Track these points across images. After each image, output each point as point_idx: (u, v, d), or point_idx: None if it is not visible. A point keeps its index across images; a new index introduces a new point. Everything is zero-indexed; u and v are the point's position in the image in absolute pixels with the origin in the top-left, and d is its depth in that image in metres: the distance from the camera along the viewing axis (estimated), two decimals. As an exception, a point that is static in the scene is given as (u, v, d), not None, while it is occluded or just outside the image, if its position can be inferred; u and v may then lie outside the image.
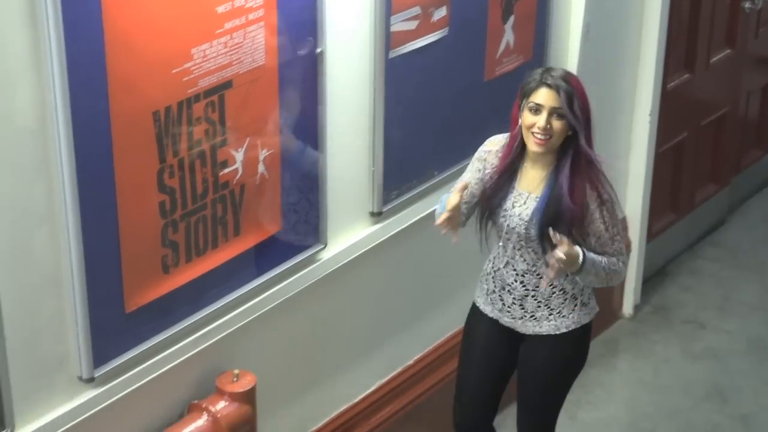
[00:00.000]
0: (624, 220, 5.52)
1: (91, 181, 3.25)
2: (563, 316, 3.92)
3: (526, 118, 3.73)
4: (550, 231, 3.63)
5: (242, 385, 3.73)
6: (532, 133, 3.72)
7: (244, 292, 3.79)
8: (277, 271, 3.87)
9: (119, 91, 3.22)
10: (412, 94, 4.19)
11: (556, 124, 3.71)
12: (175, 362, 3.64)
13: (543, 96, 3.71)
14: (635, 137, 5.49)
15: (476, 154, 3.93)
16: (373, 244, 4.22)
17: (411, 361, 4.65)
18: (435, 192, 4.34)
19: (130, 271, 3.42)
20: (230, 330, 3.78)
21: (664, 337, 5.62)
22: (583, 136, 3.74)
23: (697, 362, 5.46)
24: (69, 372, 3.39)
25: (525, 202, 3.82)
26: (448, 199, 3.68)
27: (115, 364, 3.46)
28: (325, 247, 4.02)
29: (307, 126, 3.84)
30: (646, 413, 5.15)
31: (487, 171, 3.87)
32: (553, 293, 3.90)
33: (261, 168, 3.71)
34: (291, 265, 3.92)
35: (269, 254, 3.85)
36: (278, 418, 4.07)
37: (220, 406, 3.69)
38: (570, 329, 3.94)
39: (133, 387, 3.53)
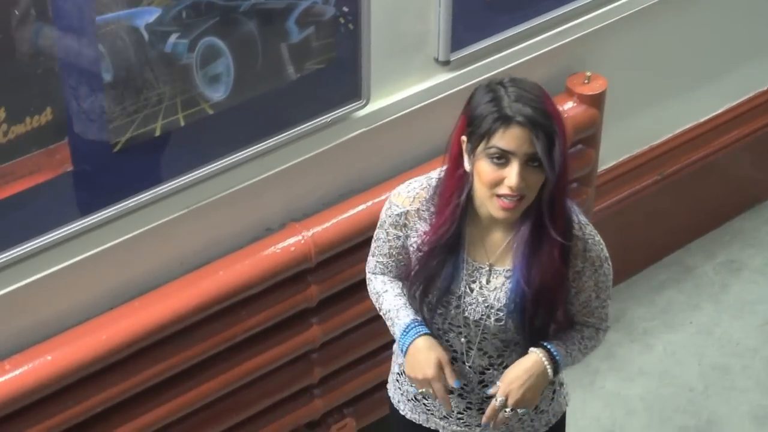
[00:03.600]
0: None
1: None
2: (541, 412, 2.84)
3: (485, 171, 2.49)
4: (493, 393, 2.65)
5: (592, 88, 3.69)
6: (497, 194, 2.51)
7: (606, -7, 3.71)
8: (642, -23, 3.77)
9: None
10: None
11: (533, 178, 2.48)
12: (529, 56, 3.62)
13: (512, 138, 2.45)
14: None
15: (386, 218, 2.73)
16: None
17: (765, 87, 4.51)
18: None
19: (497, -43, 3.40)
20: (587, 31, 3.72)
21: None
22: (552, 187, 2.51)
23: None
24: (426, 53, 3.43)
25: (489, 281, 2.65)
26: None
27: (472, 50, 3.48)
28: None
29: None
30: None
31: (413, 239, 2.70)
32: None
33: None
34: (657, -29, 3.80)
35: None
36: (622, 129, 4.03)
37: (568, 106, 3.67)
38: (550, 425, 2.87)
39: (487, 75, 3.54)
